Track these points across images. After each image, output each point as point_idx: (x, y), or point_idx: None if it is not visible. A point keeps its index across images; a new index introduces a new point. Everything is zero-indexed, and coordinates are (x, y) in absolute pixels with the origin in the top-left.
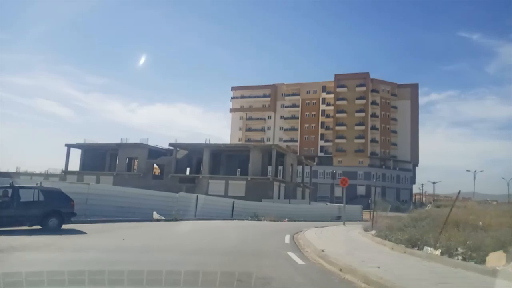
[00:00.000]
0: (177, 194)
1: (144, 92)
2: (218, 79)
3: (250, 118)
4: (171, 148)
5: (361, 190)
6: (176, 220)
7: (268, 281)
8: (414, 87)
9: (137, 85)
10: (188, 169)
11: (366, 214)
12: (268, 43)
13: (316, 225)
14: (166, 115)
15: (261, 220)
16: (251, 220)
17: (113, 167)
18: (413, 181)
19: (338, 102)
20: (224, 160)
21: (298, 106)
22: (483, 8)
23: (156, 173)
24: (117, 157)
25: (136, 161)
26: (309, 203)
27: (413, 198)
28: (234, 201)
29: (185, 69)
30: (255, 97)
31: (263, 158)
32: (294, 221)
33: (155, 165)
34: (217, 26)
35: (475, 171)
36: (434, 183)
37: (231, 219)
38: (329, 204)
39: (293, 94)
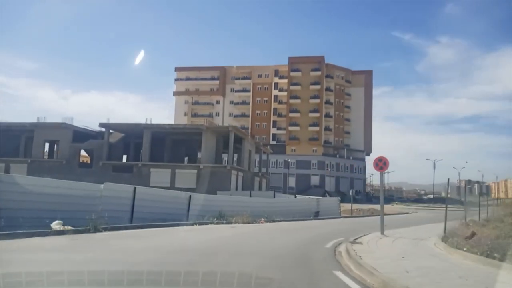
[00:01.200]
0: (101, 186)
1: (78, 78)
2: (161, 64)
3: (197, 103)
4: (103, 130)
5: (315, 180)
6: (95, 231)
7: None
8: (368, 74)
9: (71, 71)
10: (125, 156)
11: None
12: (218, 23)
13: (328, 232)
14: (103, 104)
15: (231, 223)
16: (217, 223)
17: (29, 153)
18: (365, 171)
19: (292, 87)
20: (170, 145)
21: (249, 91)
22: (415, 10)
23: (85, 161)
24: (33, 141)
25: (58, 146)
26: (274, 196)
27: (366, 188)
28: (190, 196)
29: (123, 54)
30: (202, 79)
31: (218, 143)
32: (273, 221)
33: (82, 151)
34: (159, 3)
35: (435, 159)
36: (387, 172)
37: (186, 224)
38: (309, 197)
39: (244, 78)
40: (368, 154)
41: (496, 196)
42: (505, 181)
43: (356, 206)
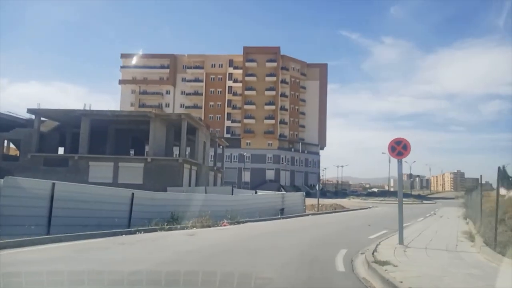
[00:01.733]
0: (0, 181)
1: (16, 67)
2: (107, 55)
3: (145, 92)
4: (33, 117)
5: (270, 174)
6: None
7: None
8: (323, 68)
9: (7, 59)
10: (62, 149)
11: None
12: (168, 10)
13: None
14: (43, 95)
15: (188, 228)
16: (169, 228)
17: None
18: (320, 164)
19: (247, 78)
20: (113, 135)
21: (202, 81)
22: (362, 10)
23: (11, 154)
24: None
25: None
26: (232, 193)
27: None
28: (133, 194)
29: (66, 43)
30: (150, 67)
31: (168, 133)
32: (238, 222)
33: (11, 143)
34: None
35: (386, 154)
36: (342, 166)
37: (127, 231)
38: (274, 193)
39: (196, 67)
40: (322, 148)
41: (435, 189)
42: (443, 175)
43: (314, 200)
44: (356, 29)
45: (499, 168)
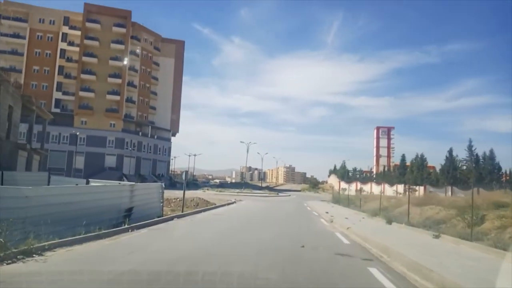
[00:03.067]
0: None
1: None
2: None
3: None
4: None
5: (111, 160)
6: None
7: None
8: (180, 45)
9: None
10: None
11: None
12: None
13: None
14: None
15: None
16: None
17: None
18: (170, 152)
19: (87, 42)
20: None
21: (24, 38)
22: (214, 5)
23: None
24: None
25: None
26: (48, 183)
27: (170, 172)
28: None
29: None
30: None
31: None
32: (32, 250)
33: None
34: None
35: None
36: (195, 155)
37: None
38: (119, 183)
39: (17, 19)
40: (174, 135)
41: (270, 181)
42: (277, 168)
43: (166, 193)
44: (208, 24)
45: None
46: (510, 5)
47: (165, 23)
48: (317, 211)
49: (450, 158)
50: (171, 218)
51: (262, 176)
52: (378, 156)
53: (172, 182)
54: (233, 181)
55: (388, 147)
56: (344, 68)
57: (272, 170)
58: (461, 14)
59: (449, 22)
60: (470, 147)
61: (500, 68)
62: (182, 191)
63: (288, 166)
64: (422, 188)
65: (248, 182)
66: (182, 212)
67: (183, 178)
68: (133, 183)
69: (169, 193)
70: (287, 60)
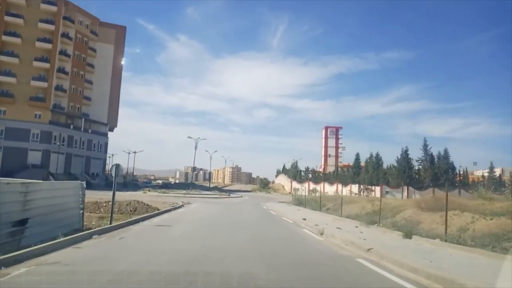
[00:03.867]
0: None
1: None
2: None
3: None
4: None
5: (35, 157)
6: None
7: None
8: (121, 31)
9: None
10: None
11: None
12: None
13: None
14: None
15: None
16: None
17: None
18: (107, 149)
19: (8, 19)
20: None
21: None
22: (160, 3)
23: None
24: None
25: None
26: None
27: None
28: None
29: None
30: None
31: None
32: None
33: None
34: None
35: (197, 138)
36: (135, 152)
37: None
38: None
39: None
40: (112, 129)
41: (216, 181)
42: (224, 168)
43: (99, 194)
44: (153, 21)
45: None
46: (439, 18)
47: (107, 15)
48: (287, 216)
49: (406, 158)
50: (89, 236)
51: (208, 177)
52: (326, 156)
53: (108, 182)
54: (177, 181)
55: (336, 148)
56: (289, 71)
57: (218, 170)
58: (396, 24)
59: (386, 31)
60: (425, 147)
61: (432, 76)
62: (120, 192)
63: (234, 166)
64: (378, 188)
65: (195, 182)
66: (111, 223)
67: (113, 175)
68: (30, 181)
69: (102, 195)
70: (234, 60)
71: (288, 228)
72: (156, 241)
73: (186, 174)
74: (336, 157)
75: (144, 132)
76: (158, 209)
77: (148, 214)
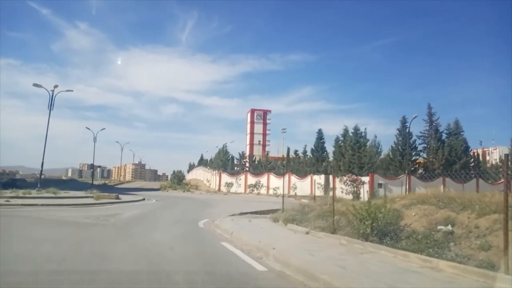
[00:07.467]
0: None
1: None
2: None
3: None
4: None
5: None
6: None
7: None
8: None
9: None
10: None
11: None
12: None
13: None
14: None
15: None
16: None
17: None
18: None
19: None
20: None
21: None
22: None
23: None
24: None
25: None
26: None
27: None
28: None
29: None
30: None
31: None
32: None
33: None
34: None
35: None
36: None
37: None
38: None
39: None
40: None
41: (117, 178)
42: (125, 165)
43: None
44: (47, 5)
45: None
46: (338, 25)
47: None
48: None
49: (406, 134)
50: None
51: (106, 174)
52: (252, 145)
53: None
54: (64, 178)
55: (264, 134)
56: (198, 67)
57: (118, 167)
58: (299, 28)
59: (291, 34)
60: (430, 115)
61: (330, 79)
62: None
63: (137, 162)
64: (368, 178)
65: (77, 179)
66: None
67: None
68: None
69: None
70: (139, 53)
71: None
72: None
73: (80, 171)
74: (264, 145)
75: (34, 127)
76: None
77: None
